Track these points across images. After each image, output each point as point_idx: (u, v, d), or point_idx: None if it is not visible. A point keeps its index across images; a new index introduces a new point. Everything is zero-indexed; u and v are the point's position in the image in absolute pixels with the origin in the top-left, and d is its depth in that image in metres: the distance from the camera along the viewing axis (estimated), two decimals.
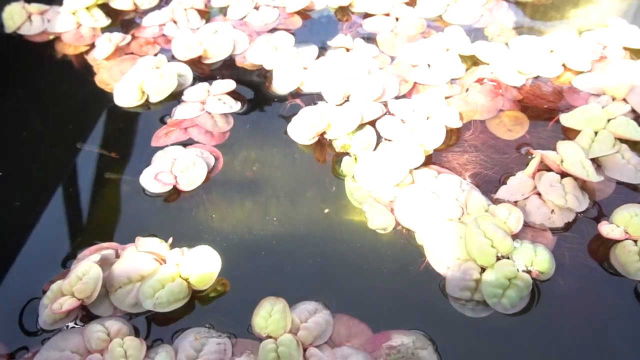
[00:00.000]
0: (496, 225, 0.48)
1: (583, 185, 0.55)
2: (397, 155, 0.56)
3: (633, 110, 0.63)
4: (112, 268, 0.49)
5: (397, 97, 0.66)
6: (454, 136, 0.62)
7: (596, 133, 0.59)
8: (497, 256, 0.48)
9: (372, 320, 0.47)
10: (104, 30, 0.80)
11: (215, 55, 0.74)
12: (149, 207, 0.58)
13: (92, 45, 0.77)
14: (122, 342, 0.45)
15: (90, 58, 0.76)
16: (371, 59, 0.71)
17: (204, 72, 0.73)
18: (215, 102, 0.66)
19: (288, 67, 0.69)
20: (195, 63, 0.73)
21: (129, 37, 0.78)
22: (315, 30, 0.80)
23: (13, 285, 0.51)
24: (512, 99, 0.66)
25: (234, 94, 0.68)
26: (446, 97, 0.66)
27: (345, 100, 0.65)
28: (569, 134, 0.61)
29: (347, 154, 0.61)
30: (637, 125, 0.60)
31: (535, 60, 0.70)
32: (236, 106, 0.66)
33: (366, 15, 0.82)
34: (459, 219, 0.51)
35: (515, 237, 0.49)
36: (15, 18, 0.81)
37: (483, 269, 0.48)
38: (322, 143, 0.62)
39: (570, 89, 0.68)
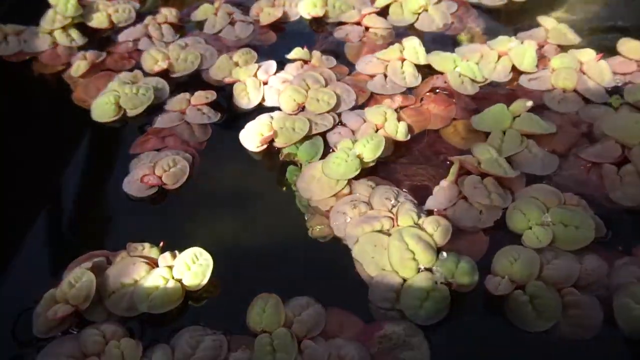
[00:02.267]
0: (419, 237, 0.50)
1: (502, 183, 0.57)
2: (335, 166, 0.57)
3: (544, 106, 0.67)
4: (105, 274, 0.50)
5: (353, 108, 0.67)
6: (403, 147, 0.62)
7: (504, 132, 0.61)
8: (420, 268, 0.49)
9: None
10: (81, 49, 0.80)
11: (181, 70, 0.74)
12: (136, 212, 0.59)
13: (69, 64, 0.77)
14: (119, 343, 0.45)
15: (66, 76, 0.76)
16: (328, 70, 0.72)
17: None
18: (195, 112, 0.67)
19: (248, 83, 0.70)
20: (163, 77, 0.74)
21: (104, 54, 0.78)
22: (290, 43, 0.79)
23: (5, 297, 0.52)
24: (465, 107, 0.67)
25: (214, 105, 0.69)
26: (400, 107, 0.67)
27: (300, 111, 0.66)
28: None
29: (293, 162, 0.62)
30: (540, 119, 0.63)
31: (485, 67, 0.71)
32: (215, 117, 0.68)
33: (339, 24, 0.83)
34: (388, 230, 0.52)
35: (444, 247, 0.51)
36: None
37: (405, 280, 0.49)
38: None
39: (521, 90, 0.69)
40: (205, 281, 0.50)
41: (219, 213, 0.59)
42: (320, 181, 0.57)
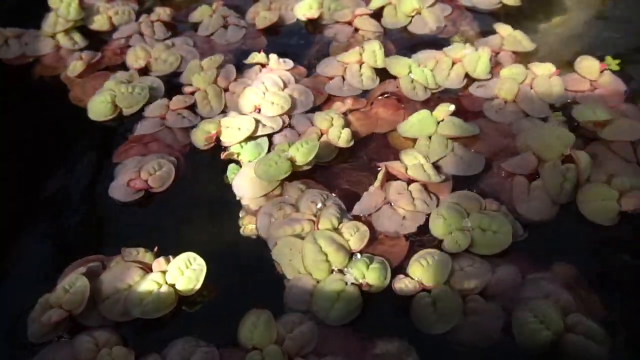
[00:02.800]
0: (332, 240, 0.51)
1: (429, 188, 0.58)
2: (266, 167, 0.58)
3: (465, 110, 0.68)
4: (100, 279, 0.50)
5: (311, 110, 0.69)
6: (348, 151, 0.64)
7: (430, 137, 0.63)
8: (333, 270, 0.51)
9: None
10: (83, 51, 0.80)
11: (159, 70, 0.77)
12: (130, 216, 0.60)
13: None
14: (111, 351, 0.46)
15: (63, 77, 0.77)
16: (286, 72, 0.73)
17: None
18: (175, 116, 0.69)
19: (208, 91, 0.71)
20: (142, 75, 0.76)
21: (99, 54, 0.80)
22: (286, 46, 0.82)
23: (1, 302, 0.52)
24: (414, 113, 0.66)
25: (194, 108, 0.70)
26: (350, 110, 0.68)
27: (257, 112, 0.68)
28: None
29: (237, 161, 0.63)
30: (463, 122, 0.64)
31: (439, 74, 0.71)
32: (195, 120, 0.69)
33: (333, 24, 0.84)
34: (307, 233, 0.53)
35: (363, 251, 0.52)
36: None
37: (318, 282, 0.50)
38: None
39: (470, 97, 0.70)
40: (198, 286, 0.50)
41: (207, 215, 0.60)
42: (253, 181, 0.59)
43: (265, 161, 0.59)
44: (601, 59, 0.71)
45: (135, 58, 0.78)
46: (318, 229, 0.54)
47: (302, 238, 0.53)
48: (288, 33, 0.85)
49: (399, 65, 0.72)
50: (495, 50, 0.74)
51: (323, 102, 0.71)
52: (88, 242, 0.59)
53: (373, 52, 0.73)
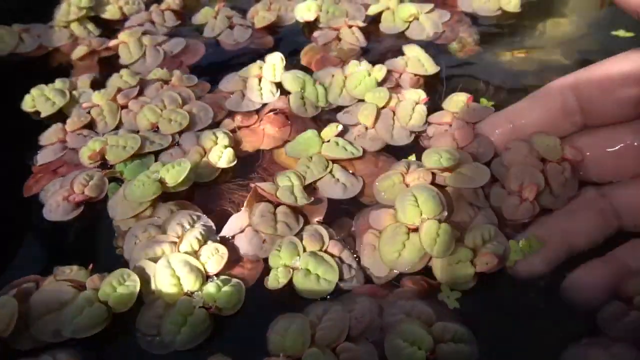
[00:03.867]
0: (186, 263, 0.51)
1: (304, 210, 0.58)
2: (135, 188, 0.58)
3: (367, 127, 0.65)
4: (31, 299, 0.49)
5: (208, 127, 0.69)
6: (232, 170, 0.63)
7: (311, 158, 0.62)
8: (186, 293, 0.51)
9: None
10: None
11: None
12: (69, 233, 0.60)
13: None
14: None
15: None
16: (187, 89, 0.73)
17: None
18: (75, 137, 0.68)
19: (104, 107, 0.71)
20: None
21: (107, 42, 0.84)
22: (285, 47, 0.83)
23: None
24: (301, 130, 0.66)
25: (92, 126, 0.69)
26: (239, 127, 0.68)
27: (155, 131, 0.68)
28: None
29: (120, 179, 0.63)
30: (348, 143, 0.63)
31: (332, 91, 0.71)
32: (98, 137, 0.67)
33: (329, 29, 0.83)
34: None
35: (221, 274, 0.53)
36: (6, 39, 0.85)
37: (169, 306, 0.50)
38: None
39: None
40: (131, 303, 0.50)
41: None
42: (124, 201, 0.59)
43: (134, 182, 0.59)
44: None
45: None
46: (178, 251, 0.54)
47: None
48: (285, 34, 0.87)
49: (294, 81, 0.71)
50: (399, 71, 0.73)
51: (223, 117, 0.71)
52: (25, 261, 0.58)
53: (273, 66, 0.73)
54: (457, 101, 0.66)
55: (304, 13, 0.86)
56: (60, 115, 0.73)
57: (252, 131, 0.68)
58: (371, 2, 0.88)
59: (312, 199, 0.58)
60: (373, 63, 0.73)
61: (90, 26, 0.88)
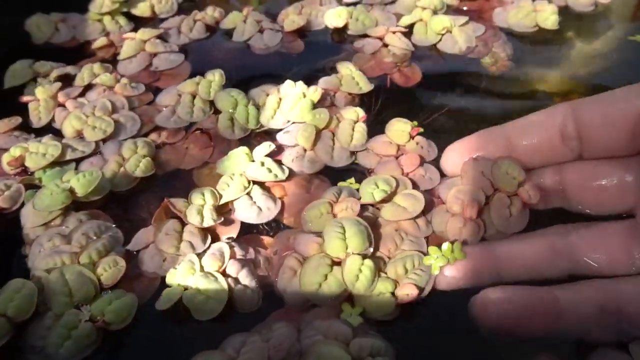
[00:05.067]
0: (80, 274, 0.51)
1: (214, 229, 0.57)
2: (43, 197, 0.57)
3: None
4: None
5: (134, 137, 0.68)
6: (152, 181, 0.63)
7: (233, 177, 0.60)
8: (77, 305, 0.50)
9: None
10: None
11: None
12: None
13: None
14: None
15: None
16: (122, 98, 0.73)
17: None
18: (6, 138, 0.68)
19: (42, 102, 0.71)
20: None
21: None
22: (315, 52, 0.84)
23: None
24: (225, 152, 0.65)
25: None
26: (164, 144, 0.68)
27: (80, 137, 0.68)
28: None
29: (37, 186, 0.62)
30: (276, 165, 0.61)
31: (265, 113, 0.69)
32: (30, 137, 0.68)
33: (365, 37, 0.84)
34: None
35: (114, 287, 0.52)
36: (43, 29, 0.87)
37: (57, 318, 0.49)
38: None
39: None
40: (30, 313, 0.50)
41: None
42: (32, 209, 0.57)
43: (43, 190, 0.58)
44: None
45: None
46: (79, 262, 0.53)
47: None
48: (313, 39, 0.87)
49: (226, 101, 0.70)
50: (333, 90, 0.73)
51: (150, 130, 0.70)
52: None
53: (208, 83, 0.72)
54: (397, 130, 0.65)
55: (333, 19, 0.86)
56: None
57: (175, 149, 0.67)
58: (401, 11, 0.89)
59: (222, 219, 0.57)
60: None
61: (122, 21, 0.89)
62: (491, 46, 0.82)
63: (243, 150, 0.63)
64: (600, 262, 0.49)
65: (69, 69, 0.79)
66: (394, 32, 0.82)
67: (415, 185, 0.59)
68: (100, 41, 0.85)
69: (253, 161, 0.62)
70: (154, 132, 0.69)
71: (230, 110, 0.69)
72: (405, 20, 0.85)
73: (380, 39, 0.82)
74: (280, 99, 0.70)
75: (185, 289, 0.51)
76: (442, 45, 0.82)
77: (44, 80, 0.78)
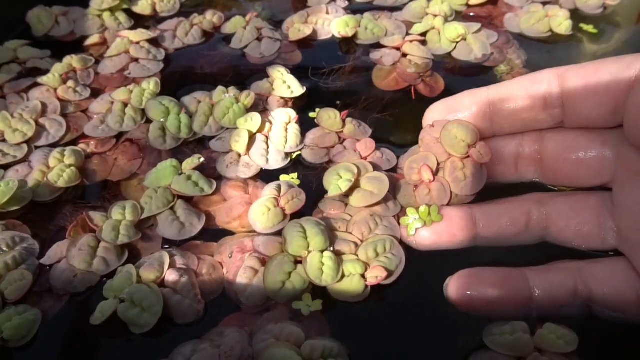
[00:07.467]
0: None
1: (125, 245, 0.54)
2: None
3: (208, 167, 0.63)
4: None
5: (55, 144, 0.67)
6: (80, 192, 0.62)
7: (157, 191, 0.58)
8: None
9: None
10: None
11: None
12: None
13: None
14: None
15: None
16: (57, 101, 0.71)
17: None
18: None
19: None
20: None
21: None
22: (318, 61, 0.80)
23: None
24: (156, 164, 0.62)
25: None
26: (93, 154, 0.66)
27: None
28: None
29: None
30: (203, 179, 0.60)
31: (197, 120, 0.67)
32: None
33: (379, 46, 0.81)
34: None
35: (18, 302, 0.50)
36: (43, 21, 0.86)
37: None
38: None
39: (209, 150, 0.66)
40: None
41: None
42: None
43: None
44: None
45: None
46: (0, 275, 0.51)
47: None
48: (320, 49, 0.84)
49: (157, 110, 0.67)
50: (265, 94, 0.71)
51: (76, 138, 0.68)
52: None
53: (142, 91, 0.70)
54: (328, 119, 0.65)
55: (341, 28, 0.82)
56: None
57: (103, 159, 0.65)
58: (409, 18, 0.86)
59: (140, 235, 0.55)
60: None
61: (122, 17, 0.88)
62: (506, 53, 0.80)
63: (171, 162, 0.61)
64: (572, 234, 0.50)
65: (45, 63, 0.78)
66: (411, 41, 0.79)
67: (376, 168, 0.58)
68: (93, 38, 0.84)
69: (180, 174, 0.60)
70: (84, 141, 0.67)
71: (161, 120, 0.67)
72: (418, 28, 0.82)
73: (398, 48, 0.79)
74: (212, 105, 0.68)
75: (122, 301, 0.49)
76: (457, 53, 0.80)
77: (13, 65, 0.77)
